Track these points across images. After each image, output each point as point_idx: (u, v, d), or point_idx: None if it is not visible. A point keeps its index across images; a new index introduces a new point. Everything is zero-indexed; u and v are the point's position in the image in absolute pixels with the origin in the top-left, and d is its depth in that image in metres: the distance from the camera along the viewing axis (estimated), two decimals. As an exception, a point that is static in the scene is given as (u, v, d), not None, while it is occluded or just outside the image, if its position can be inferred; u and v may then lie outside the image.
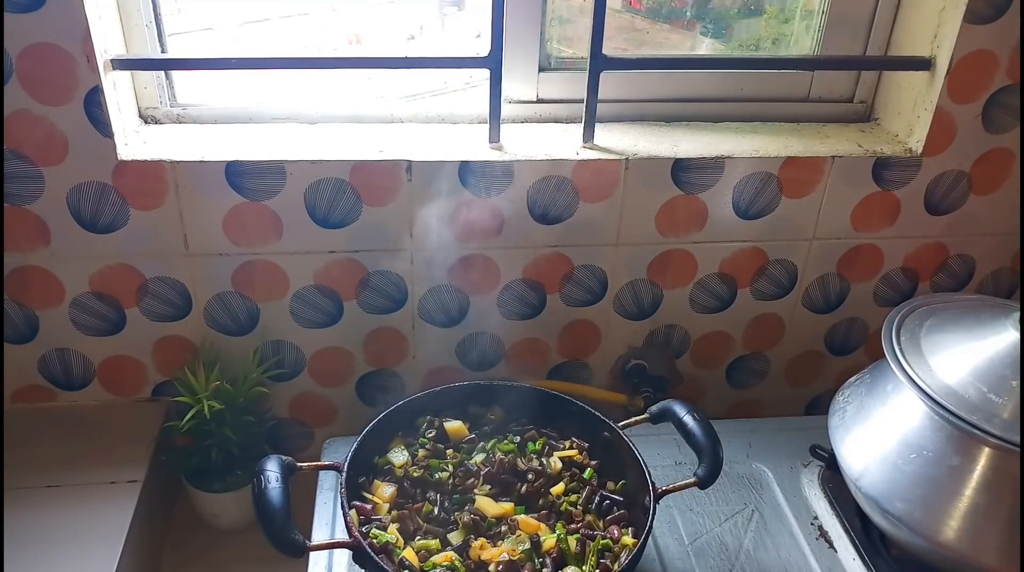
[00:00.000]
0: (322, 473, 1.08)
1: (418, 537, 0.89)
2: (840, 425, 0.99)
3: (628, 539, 0.89)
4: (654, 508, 0.89)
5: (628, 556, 0.86)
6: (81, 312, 1.13)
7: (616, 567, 0.86)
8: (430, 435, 0.99)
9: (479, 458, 0.97)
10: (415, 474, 0.94)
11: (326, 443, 1.14)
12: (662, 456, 1.11)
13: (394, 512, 0.90)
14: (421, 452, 0.97)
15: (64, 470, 1.10)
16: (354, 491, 0.92)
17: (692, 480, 0.91)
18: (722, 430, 1.17)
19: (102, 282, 1.12)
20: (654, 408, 0.99)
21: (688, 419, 0.95)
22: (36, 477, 1.09)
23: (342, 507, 0.86)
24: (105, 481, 1.09)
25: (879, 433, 0.93)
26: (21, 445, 1.14)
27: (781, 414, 1.34)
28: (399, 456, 0.96)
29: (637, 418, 1.00)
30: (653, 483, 0.91)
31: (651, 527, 0.87)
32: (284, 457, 0.86)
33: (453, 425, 1.00)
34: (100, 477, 1.10)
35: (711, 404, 1.35)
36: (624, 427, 0.99)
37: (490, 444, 0.98)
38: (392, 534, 0.87)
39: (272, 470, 0.83)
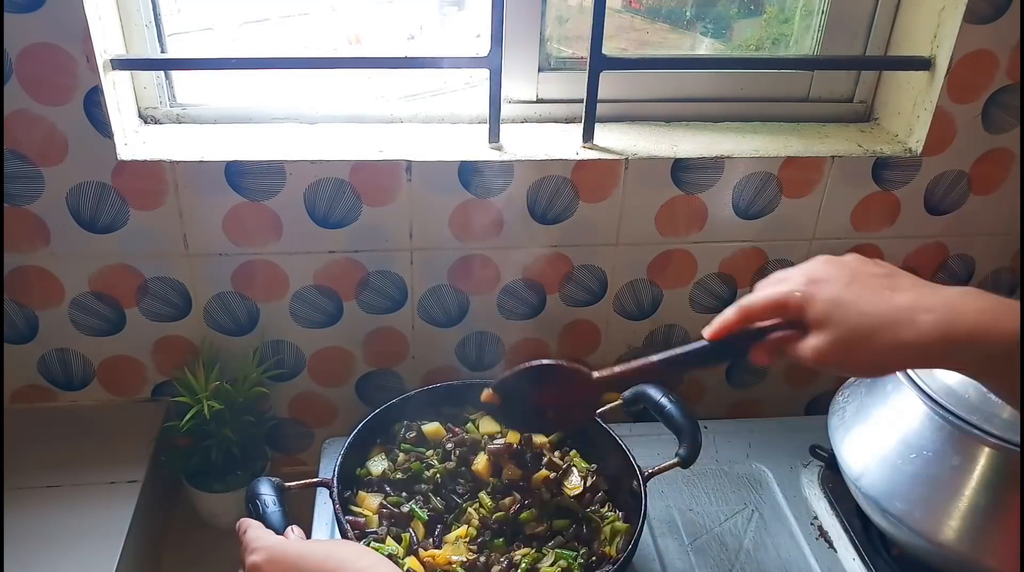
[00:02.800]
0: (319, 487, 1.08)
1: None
2: (840, 425, 0.99)
3: (620, 523, 0.90)
4: (645, 490, 0.90)
5: (626, 539, 0.87)
6: (81, 312, 1.13)
7: (612, 551, 0.87)
8: (410, 436, 0.99)
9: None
10: (396, 476, 0.95)
11: (326, 443, 1.14)
12: (662, 456, 1.11)
13: (385, 525, 0.90)
14: (401, 456, 0.98)
15: (64, 470, 1.10)
16: (343, 506, 0.92)
17: (675, 460, 0.93)
18: (722, 430, 1.18)
19: (102, 282, 1.12)
20: (627, 394, 1.00)
21: (664, 401, 0.97)
22: (36, 477, 1.09)
23: (338, 524, 0.87)
24: (105, 481, 1.09)
25: (879, 433, 0.93)
26: (21, 445, 1.13)
27: (781, 414, 1.33)
28: (378, 465, 0.97)
29: (611, 405, 1.01)
30: (639, 466, 0.92)
31: (646, 510, 0.88)
32: (273, 478, 0.86)
33: (430, 427, 1.01)
34: (100, 477, 1.10)
35: (711, 404, 1.35)
36: (598, 413, 1.00)
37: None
38: (391, 545, 0.87)
39: (267, 493, 0.83)
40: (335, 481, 0.90)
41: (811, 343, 0.64)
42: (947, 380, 0.87)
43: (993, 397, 0.84)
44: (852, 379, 1.05)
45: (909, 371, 0.89)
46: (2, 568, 0.97)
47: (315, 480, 0.91)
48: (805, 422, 1.22)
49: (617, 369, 0.79)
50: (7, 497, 1.05)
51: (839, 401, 1.02)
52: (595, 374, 0.80)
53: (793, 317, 0.66)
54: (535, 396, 0.85)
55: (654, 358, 0.76)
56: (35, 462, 1.11)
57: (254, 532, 0.76)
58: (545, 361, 0.84)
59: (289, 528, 0.79)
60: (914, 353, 0.60)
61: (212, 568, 1.18)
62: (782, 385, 1.36)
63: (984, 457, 0.85)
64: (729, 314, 0.69)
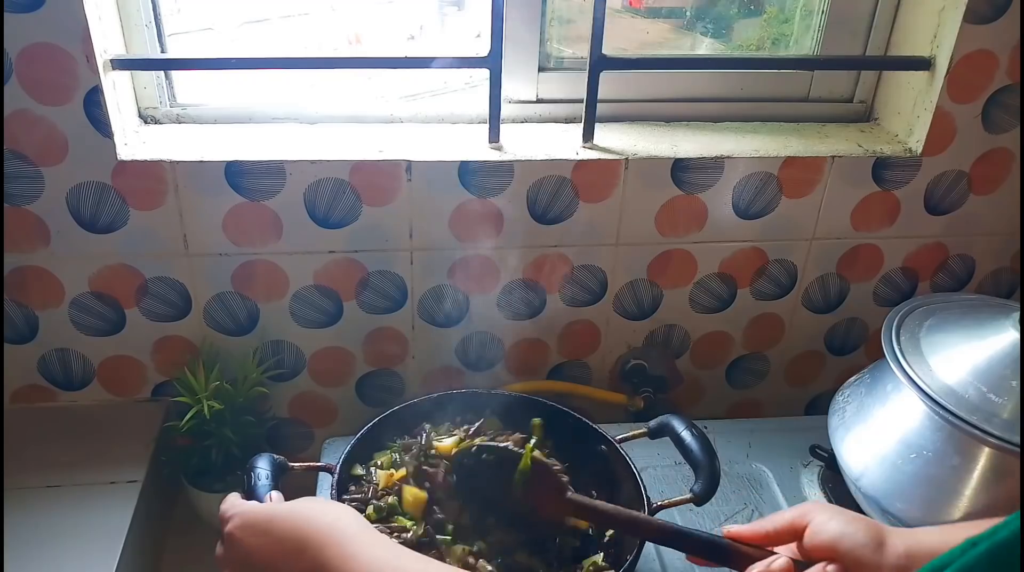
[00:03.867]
0: (321, 472, 1.08)
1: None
2: (840, 425, 0.99)
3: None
4: None
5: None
6: (81, 312, 1.13)
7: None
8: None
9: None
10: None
11: (326, 443, 1.14)
12: (662, 456, 1.11)
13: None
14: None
15: (64, 470, 1.10)
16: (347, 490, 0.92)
17: (688, 496, 0.89)
18: (722, 430, 1.18)
19: (102, 282, 1.12)
20: (652, 423, 0.97)
21: (686, 434, 0.93)
22: (36, 477, 1.09)
23: None
24: (105, 481, 1.09)
25: (879, 433, 0.93)
26: (21, 445, 1.13)
27: (781, 414, 1.34)
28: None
29: (634, 432, 0.99)
30: (648, 497, 0.90)
31: (641, 546, 0.85)
32: (276, 456, 0.86)
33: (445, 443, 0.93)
34: (100, 477, 1.10)
35: (711, 404, 1.35)
36: (622, 441, 0.97)
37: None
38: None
39: (263, 468, 0.83)
40: (338, 468, 0.90)
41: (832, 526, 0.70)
42: (947, 380, 0.87)
43: (993, 397, 0.84)
44: (853, 378, 1.05)
45: (908, 370, 0.89)
46: (2, 568, 0.97)
47: (319, 464, 0.92)
48: (805, 422, 1.22)
49: (596, 503, 0.81)
50: (7, 497, 1.05)
51: (839, 401, 1.02)
52: (569, 493, 0.82)
53: (801, 531, 0.72)
54: (501, 483, 0.85)
55: (631, 514, 0.80)
56: (35, 462, 1.11)
57: (227, 503, 0.76)
58: (535, 455, 0.85)
59: (268, 495, 0.79)
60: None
61: (212, 568, 1.17)
62: (782, 385, 1.36)
63: (984, 457, 0.85)
64: (752, 529, 0.75)
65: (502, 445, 0.89)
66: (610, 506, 0.81)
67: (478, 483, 0.87)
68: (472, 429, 0.97)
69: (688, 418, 0.95)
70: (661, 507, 0.90)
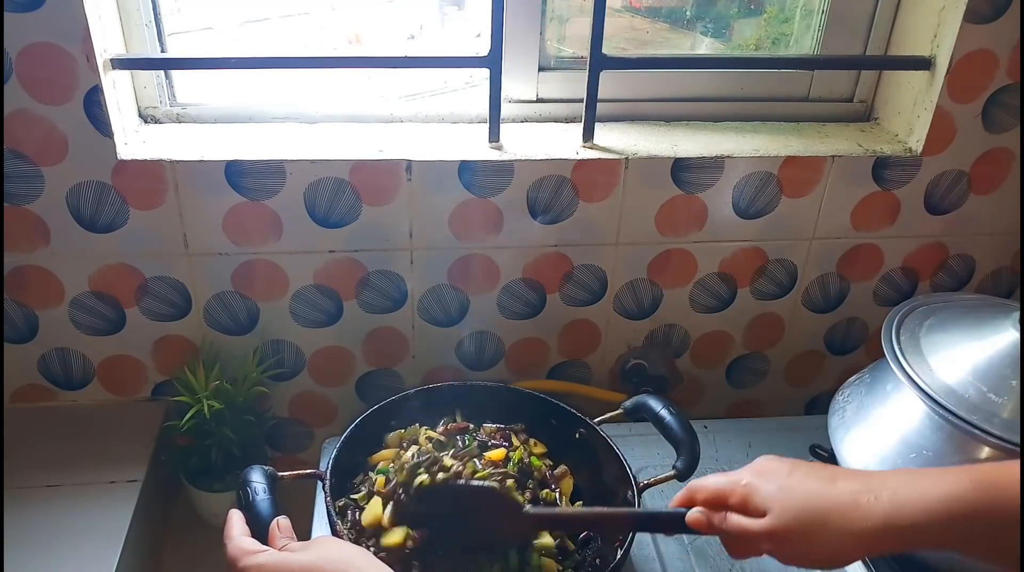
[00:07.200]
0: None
1: None
2: (840, 425, 0.99)
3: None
4: (639, 503, 0.90)
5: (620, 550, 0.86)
6: (81, 312, 1.13)
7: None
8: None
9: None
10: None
11: (326, 443, 1.14)
12: (661, 456, 1.11)
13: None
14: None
15: (64, 470, 1.10)
16: (345, 493, 0.92)
17: (671, 473, 0.91)
18: (722, 430, 1.19)
19: (102, 282, 1.12)
20: (628, 403, 0.99)
21: (664, 413, 0.95)
22: (36, 477, 1.09)
23: (328, 516, 0.86)
24: (105, 481, 1.09)
25: (879, 433, 0.93)
26: (21, 445, 1.14)
27: (781, 414, 1.34)
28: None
29: (611, 414, 1.00)
30: (634, 477, 0.91)
31: (631, 540, 0.86)
32: (266, 467, 0.85)
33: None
34: (100, 477, 1.10)
35: (711, 404, 1.35)
36: (599, 423, 0.99)
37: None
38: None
39: (258, 481, 0.82)
40: (328, 474, 0.89)
41: (761, 524, 0.66)
42: (947, 380, 0.87)
43: (993, 397, 0.84)
44: (853, 378, 1.05)
45: (908, 370, 0.89)
46: (2, 568, 0.97)
47: (308, 472, 0.91)
48: (805, 422, 1.22)
49: (554, 511, 0.82)
50: (7, 497, 1.05)
51: (839, 401, 1.02)
52: (527, 508, 0.81)
53: (735, 507, 0.68)
54: (459, 512, 0.84)
55: (590, 511, 0.81)
56: (35, 462, 1.11)
57: (235, 545, 0.73)
58: (475, 484, 0.85)
59: (275, 522, 0.77)
60: (865, 540, 0.62)
61: (212, 568, 1.18)
62: (782, 385, 1.36)
63: (984, 457, 0.84)
64: (677, 496, 0.74)
65: (459, 483, 0.86)
66: (571, 509, 0.81)
67: (437, 516, 0.85)
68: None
69: (665, 398, 0.96)
70: (648, 485, 0.92)
